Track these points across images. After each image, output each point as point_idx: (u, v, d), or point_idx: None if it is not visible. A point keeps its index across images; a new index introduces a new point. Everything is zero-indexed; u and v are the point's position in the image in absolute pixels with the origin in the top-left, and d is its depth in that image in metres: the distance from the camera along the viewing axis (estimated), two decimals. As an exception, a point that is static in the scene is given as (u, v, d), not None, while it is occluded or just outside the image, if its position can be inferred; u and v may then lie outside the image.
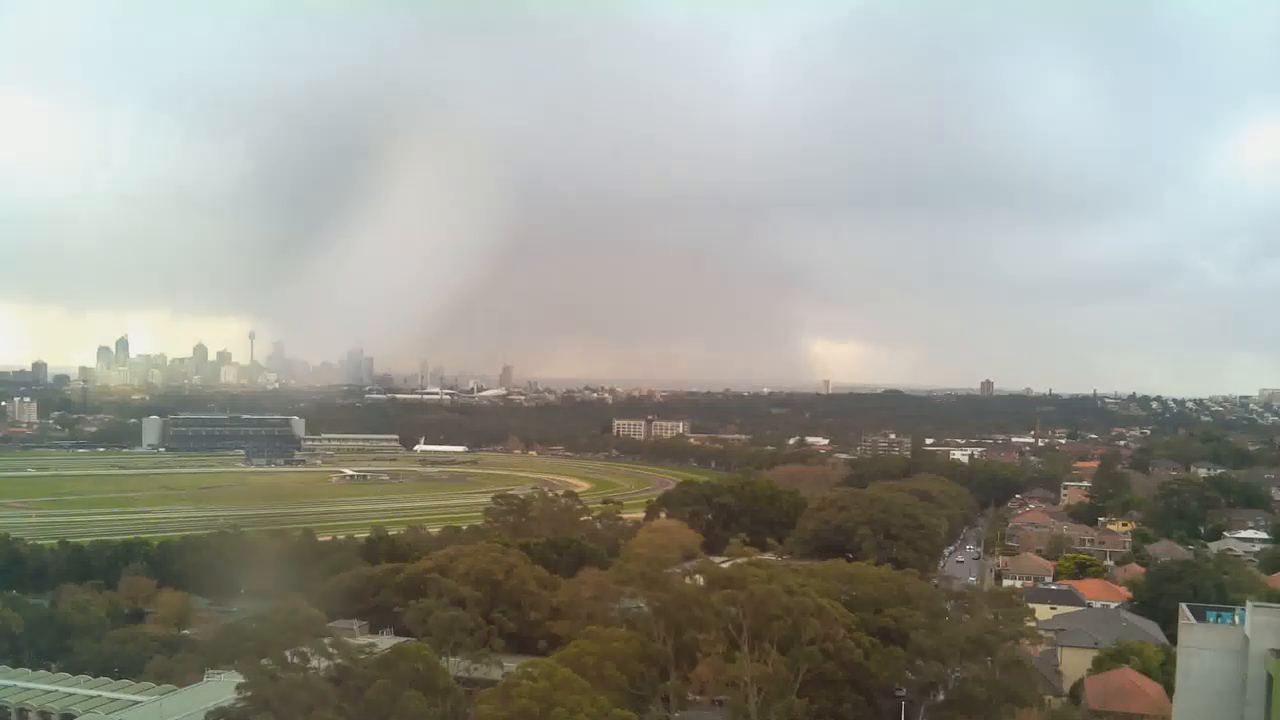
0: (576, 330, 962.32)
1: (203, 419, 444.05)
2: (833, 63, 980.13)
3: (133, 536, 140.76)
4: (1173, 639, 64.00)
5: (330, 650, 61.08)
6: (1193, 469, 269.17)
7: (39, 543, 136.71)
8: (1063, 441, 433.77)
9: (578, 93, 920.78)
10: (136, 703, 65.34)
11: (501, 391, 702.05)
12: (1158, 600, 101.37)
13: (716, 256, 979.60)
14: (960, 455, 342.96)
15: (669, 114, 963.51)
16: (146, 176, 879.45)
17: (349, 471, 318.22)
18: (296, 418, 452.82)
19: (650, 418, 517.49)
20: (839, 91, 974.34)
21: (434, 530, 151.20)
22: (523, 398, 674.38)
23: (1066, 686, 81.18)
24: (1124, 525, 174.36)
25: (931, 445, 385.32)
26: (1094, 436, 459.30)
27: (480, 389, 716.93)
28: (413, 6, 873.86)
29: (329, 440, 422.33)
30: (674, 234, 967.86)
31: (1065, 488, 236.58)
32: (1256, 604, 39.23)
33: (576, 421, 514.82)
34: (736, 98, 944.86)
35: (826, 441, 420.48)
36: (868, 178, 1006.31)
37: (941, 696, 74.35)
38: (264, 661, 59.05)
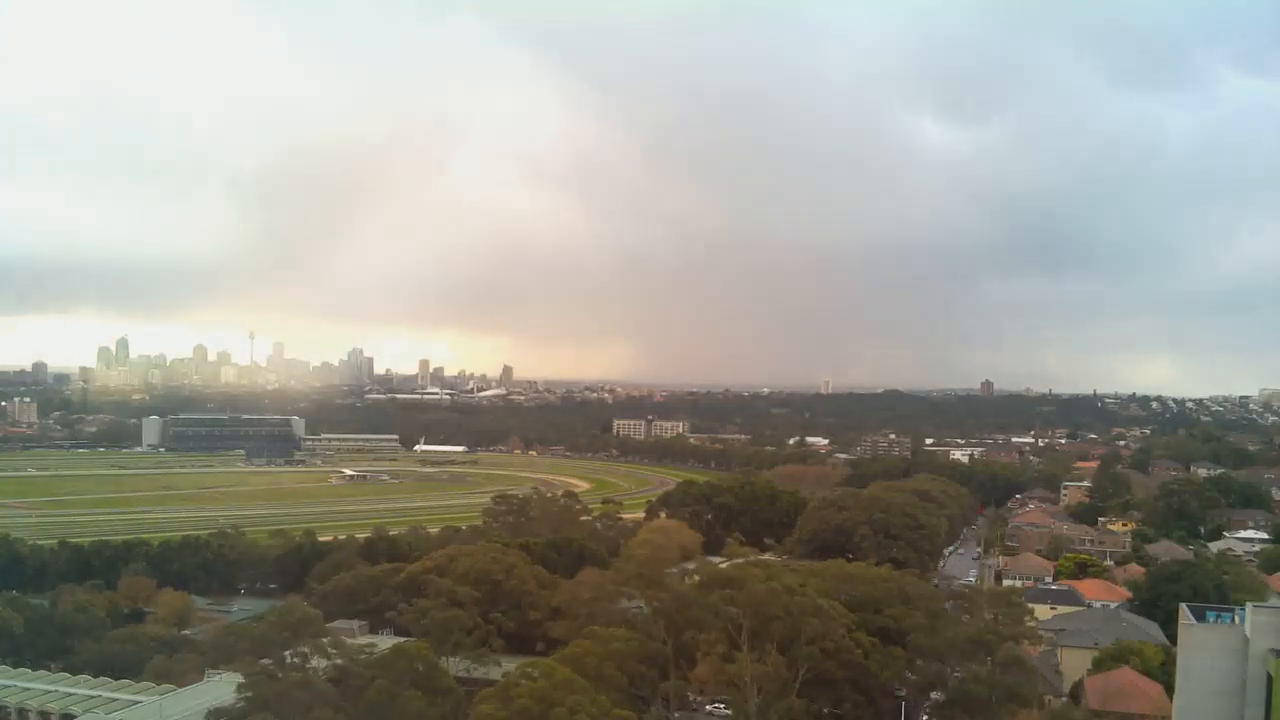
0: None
1: (203, 419, 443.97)
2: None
3: (133, 536, 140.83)
4: (1173, 639, 63.93)
5: (330, 650, 61.09)
6: (1193, 469, 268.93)
7: (39, 543, 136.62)
8: (1063, 441, 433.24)
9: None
10: (136, 703, 65.31)
11: (501, 391, 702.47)
12: (1158, 600, 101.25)
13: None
14: (960, 455, 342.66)
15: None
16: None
17: (349, 471, 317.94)
18: (296, 418, 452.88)
19: (650, 418, 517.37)
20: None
21: (434, 530, 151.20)
22: (523, 398, 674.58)
23: (1066, 686, 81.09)
24: (1124, 525, 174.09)
25: (931, 445, 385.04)
26: (1094, 436, 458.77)
27: (480, 389, 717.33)
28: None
29: (329, 440, 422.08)
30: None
31: (1065, 488, 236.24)
32: (1256, 604, 39.22)
33: (576, 421, 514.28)
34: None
35: (826, 441, 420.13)
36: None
37: (941, 696, 74.29)
38: (264, 661, 59.02)
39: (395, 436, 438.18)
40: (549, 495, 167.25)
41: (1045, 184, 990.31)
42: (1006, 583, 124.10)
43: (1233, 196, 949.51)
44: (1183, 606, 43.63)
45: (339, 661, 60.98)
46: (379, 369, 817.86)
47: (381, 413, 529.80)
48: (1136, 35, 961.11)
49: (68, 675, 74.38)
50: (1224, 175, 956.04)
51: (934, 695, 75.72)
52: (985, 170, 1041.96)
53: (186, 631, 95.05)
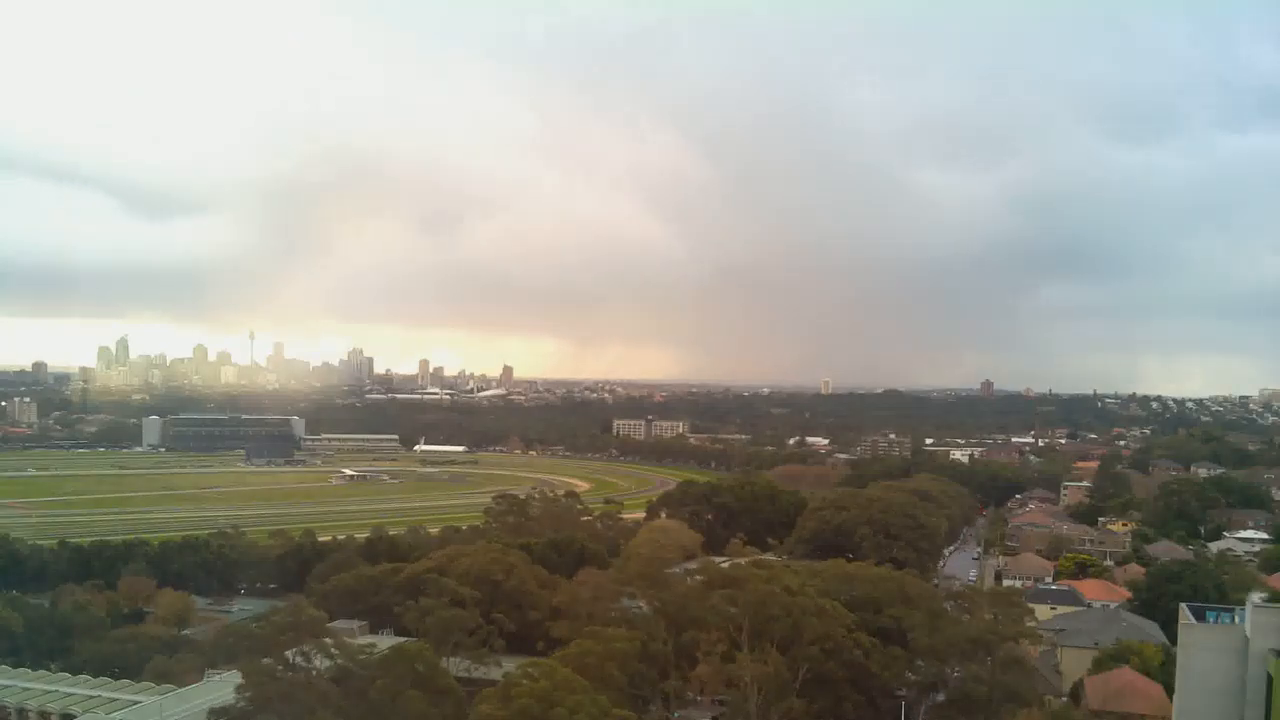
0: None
1: (203, 419, 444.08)
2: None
3: (133, 536, 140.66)
4: (1173, 639, 63.95)
5: (331, 650, 61.06)
6: (1193, 469, 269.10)
7: (39, 543, 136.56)
8: (1063, 441, 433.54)
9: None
10: (136, 703, 65.28)
11: (501, 391, 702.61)
12: (1158, 600, 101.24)
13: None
14: (960, 455, 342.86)
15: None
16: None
17: (349, 471, 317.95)
18: (296, 418, 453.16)
19: (650, 418, 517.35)
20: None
21: (434, 530, 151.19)
22: (523, 398, 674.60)
23: (1066, 686, 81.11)
24: (1124, 525, 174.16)
25: (931, 445, 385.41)
26: (1094, 436, 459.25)
27: (480, 389, 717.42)
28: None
29: (329, 440, 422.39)
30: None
31: (1065, 488, 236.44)
32: (1257, 604, 39.22)
33: (576, 421, 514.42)
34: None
35: (826, 441, 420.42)
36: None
37: (941, 696, 74.32)
38: (265, 661, 58.98)
39: (395, 436, 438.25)
40: (549, 495, 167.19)
41: (1047, 205, 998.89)
42: (1006, 583, 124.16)
43: (1228, 223, 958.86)
44: (1183, 606, 43.64)
45: (340, 662, 60.95)
46: (379, 369, 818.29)
47: (381, 413, 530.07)
48: (1130, 99, 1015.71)
49: (68, 675, 74.30)
50: (1217, 209, 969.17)
51: (935, 696, 75.80)
52: (989, 198, 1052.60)
53: (186, 631, 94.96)
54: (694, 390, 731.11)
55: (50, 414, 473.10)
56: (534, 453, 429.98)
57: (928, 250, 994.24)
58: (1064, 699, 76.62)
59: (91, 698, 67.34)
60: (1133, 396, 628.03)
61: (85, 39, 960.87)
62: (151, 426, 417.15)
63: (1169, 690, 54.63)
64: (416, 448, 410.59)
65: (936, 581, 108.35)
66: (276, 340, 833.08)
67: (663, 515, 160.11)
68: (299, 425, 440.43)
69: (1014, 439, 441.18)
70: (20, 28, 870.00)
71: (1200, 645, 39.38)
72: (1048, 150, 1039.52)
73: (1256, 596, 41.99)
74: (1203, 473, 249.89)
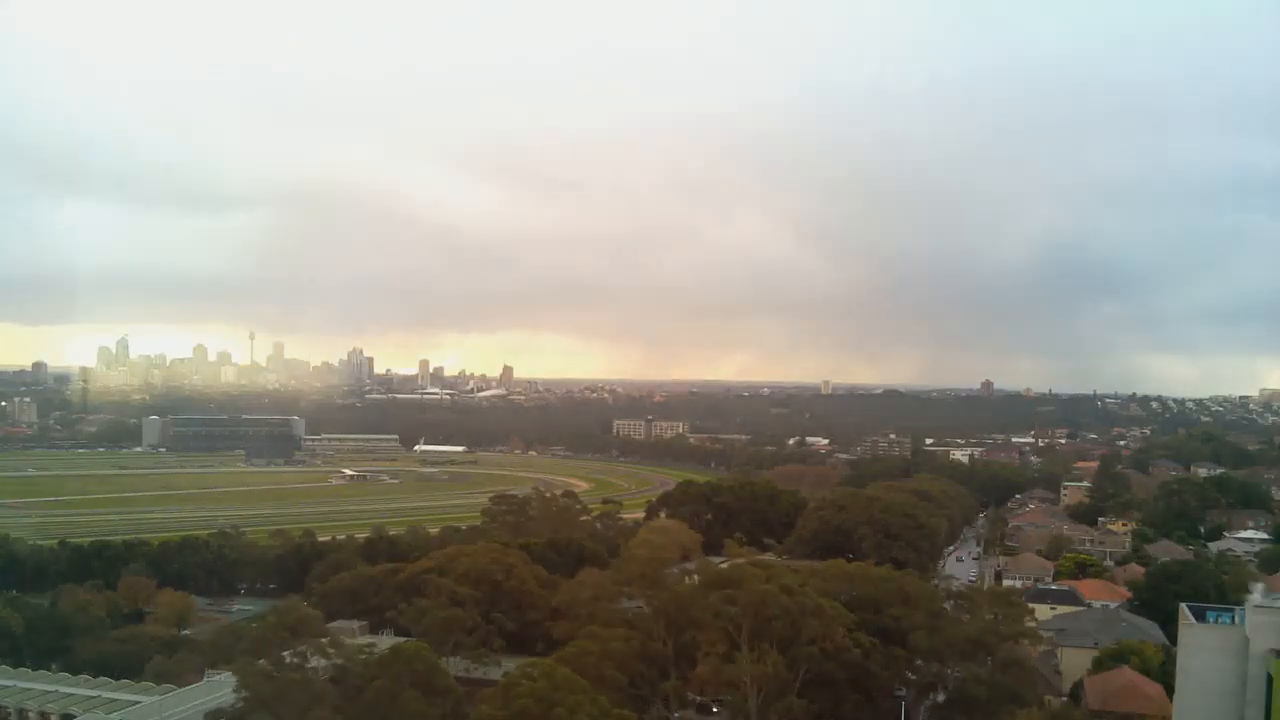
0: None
1: (203, 419, 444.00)
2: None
3: (133, 536, 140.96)
4: (1173, 639, 63.94)
5: (329, 650, 61.07)
6: (1193, 469, 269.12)
7: (39, 543, 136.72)
8: (1063, 441, 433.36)
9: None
10: (136, 703, 65.28)
11: (501, 391, 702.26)
12: (1158, 600, 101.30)
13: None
14: (960, 455, 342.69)
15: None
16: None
17: (349, 471, 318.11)
18: (296, 418, 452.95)
19: (650, 418, 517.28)
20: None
21: (434, 530, 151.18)
22: (523, 398, 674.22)
23: (1066, 686, 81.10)
24: (1124, 525, 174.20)
25: (931, 445, 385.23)
26: (1094, 436, 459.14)
27: (480, 389, 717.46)
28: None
29: (329, 440, 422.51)
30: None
31: (1065, 488, 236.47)
32: (1257, 604, 39.23)
33: (576, 421, 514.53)
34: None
35: (826, 441, 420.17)
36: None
37: (941, 696, 74.31)
38: (261, 662, 58.97)
39: (395, 436, 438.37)
40: (549, 495, 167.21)
41: (1054, 240, 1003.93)
42: (1006, 583, 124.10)
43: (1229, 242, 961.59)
44: (1183, 606, 43.68)
45: (339, 661, 60.97)
46: (379, 369, 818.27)
47: (381, 413, 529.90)
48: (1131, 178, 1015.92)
49: (68, 675, 74.32)
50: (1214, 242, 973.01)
51: (935, 696, 75.77)
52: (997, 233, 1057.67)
53: (186, 631, 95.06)
54: (694, 390, 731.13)
55: (50, 414, 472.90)
56: (534, 453, 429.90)
57: (939, 261, 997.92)
58: (1064, 699, 76.62)
59: (91, 698, 67.34)
60: (1133, 396, 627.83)
61: (86, 36, 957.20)
62: (151, 426, 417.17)
63: (1169, 690, 54.67)
64: (416, 448, 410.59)
65: (936, 581, 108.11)
66: (276, 340, 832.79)
67: (662, 515, 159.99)
68: (299, 425, 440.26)
69: (1014, 439, 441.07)
70: (21, 24, 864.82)
71: (1200, 645, 39.45)
72: (1063, 207, 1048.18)
73: (1258, 592, 41.73)
74: (1203, 473, 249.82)
